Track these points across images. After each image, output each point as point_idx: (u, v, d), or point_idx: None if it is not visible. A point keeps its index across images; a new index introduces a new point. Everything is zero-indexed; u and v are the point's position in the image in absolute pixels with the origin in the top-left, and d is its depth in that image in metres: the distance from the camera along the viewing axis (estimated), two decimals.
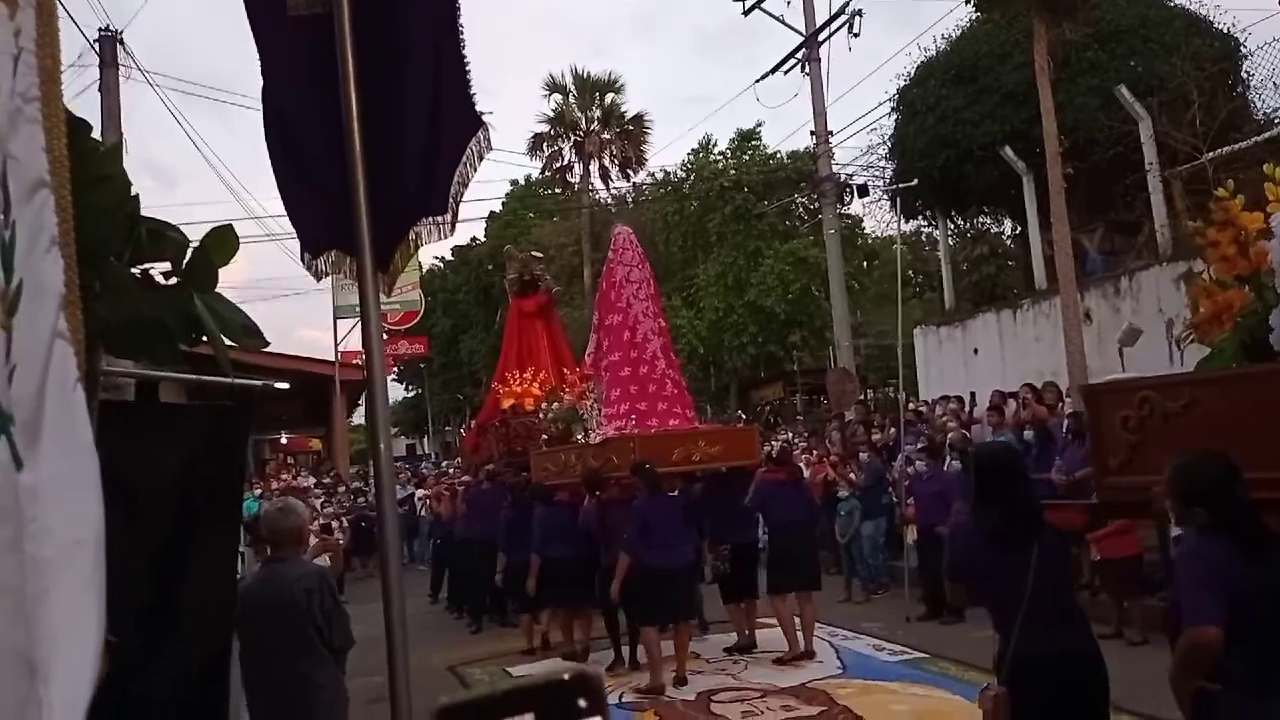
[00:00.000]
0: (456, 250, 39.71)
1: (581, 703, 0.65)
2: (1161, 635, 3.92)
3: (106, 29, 13.58)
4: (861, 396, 19.90)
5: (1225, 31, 15.66)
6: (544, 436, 10.22)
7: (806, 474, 12.50)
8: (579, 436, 9.56)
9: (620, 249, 9.72)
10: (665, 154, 44.60)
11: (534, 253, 13.77)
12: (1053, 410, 10.20)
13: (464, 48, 2.02)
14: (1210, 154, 12.02)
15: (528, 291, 12.17)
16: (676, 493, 8.22)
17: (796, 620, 8.23)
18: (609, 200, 32.79)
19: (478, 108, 2.04)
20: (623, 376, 9.14)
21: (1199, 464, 2.94)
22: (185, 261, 2.16)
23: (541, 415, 10.47)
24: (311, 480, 20.33)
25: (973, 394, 13.41)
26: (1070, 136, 13.04)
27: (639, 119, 30.32)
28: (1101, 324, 13.01)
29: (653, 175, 30.72)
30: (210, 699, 2.12)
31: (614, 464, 8.42)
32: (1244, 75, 14.84)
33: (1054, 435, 9.40)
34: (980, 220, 20.75)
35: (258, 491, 16.39)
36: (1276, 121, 13.67)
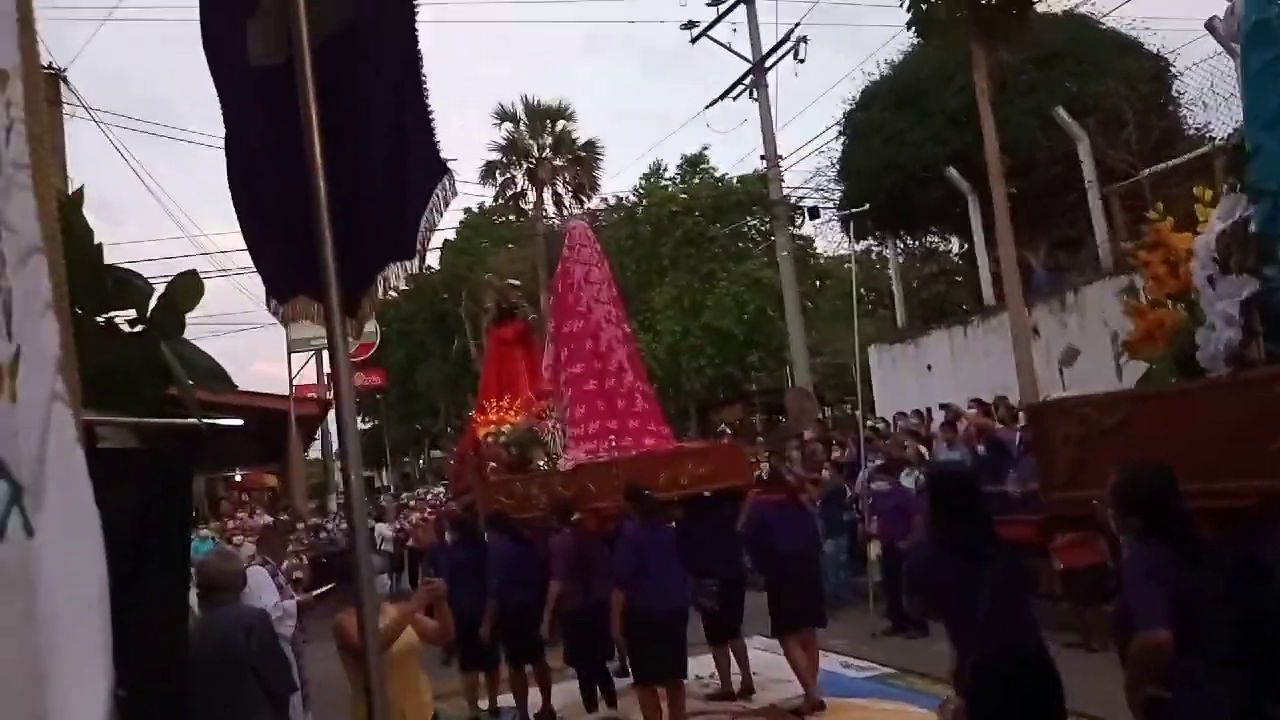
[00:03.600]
0: (411, 279, 39.48)
1: None
2: None
3: (50, 67, 13.40)
4: (820, 415, 20.11)
5: (1156, 52, 16.23)
6: (491, 465, 9.00)
7: None
8: (540, 463, 8.45)
9: (576, 245, 8.54)
10: (619, 178, 44.93)
11: (511, 281, 13.67)
12: (1007, 424, 10.41)
13: (427, 95, 2.07)
14: (1146, 171, 12.41)
15: (505, 320, 12.05)
16: (673, 524, 7.12)
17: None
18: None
19: (442, 155, 2.08)
20: (588, 391, 7.97)
21: (1138, 475, 3.08)
22: (151, 309, 2.17)
23: (491, 440, 9.20)
24: (268, 518, 19.99)
25: (928, 410, 13.64)
26: (1012, 156, 13.40)
27: (591, 145, 30.48)
28: (1049, 339, 13.31)
29: (605, 201, 30.92)
30: None
31: (591, 493, 7.21)
32: (1174, 94, 15.37)
33: (1008, 448, 9.59)
34: (929, 239, 21.17)
35: (204, 533, 16.04)
36: (1207, 138, 14.15)
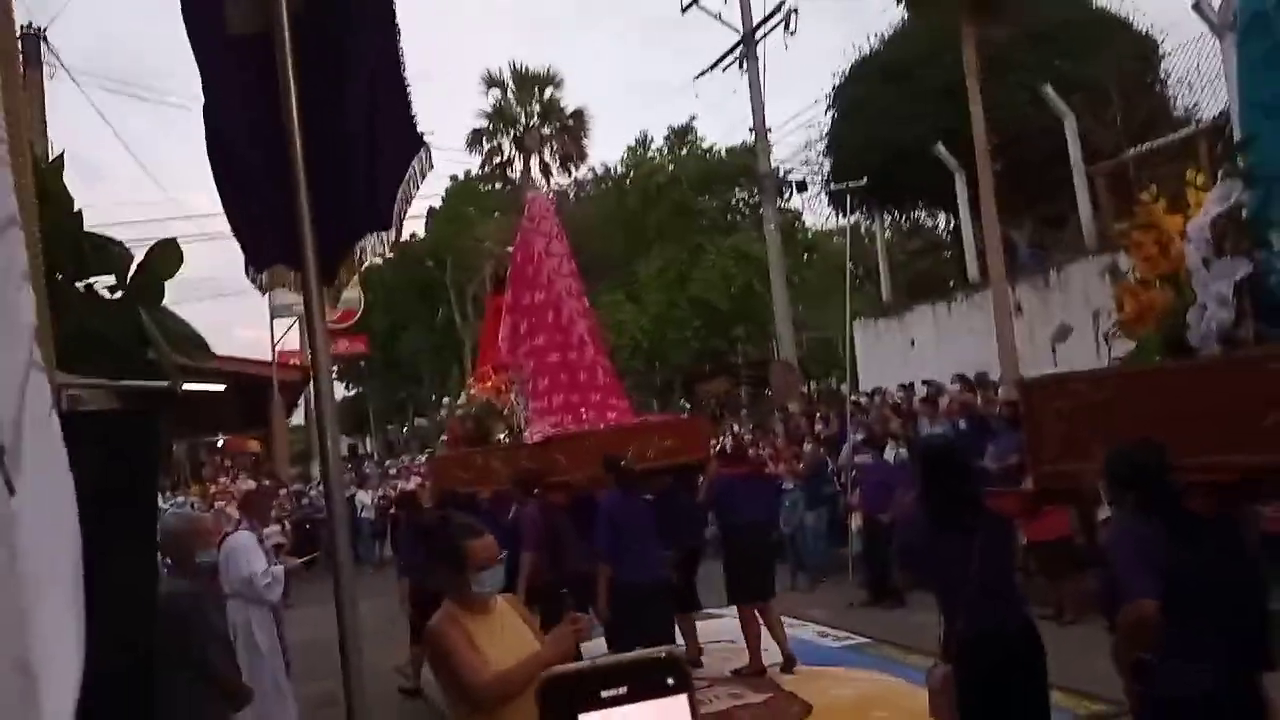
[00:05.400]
0: (396, 246, 39.24)
1: (670, 680, 0.72)
2: (1093, 615, 4.12)
3: (29, 26, 13.22)
4: (804, 389, 20.20)
5: (1144, 33, 16.23)
6: (443, 438, 9.03)
7: None
8: (501, 436, 8.37)
9: (536, 217, 8.49)
10: (607, 147, 44.62)
11: (509, 248, 13.61)
12: (989, 401, 10.51)
13: (404, 70, 2.08)
14: (1131, 150, 12.46)
15: (503, 288, 12.00)
16: (650, 497, 7.13)
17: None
18: (551, 196, 32.74)
19: (419, 128, 2.10)
20: (551, 364, 7.93)
21: (1133, 451, 3.17)
22: (130, 276, 2.18)
23: (446, 413, 9.45)
24: (251, 483, 20.01)
25: (911, 385, 13.75)
26: (999, 133, 13.41)
27: (579, 114, 30.31)
28: (1032, 315, 13.41)
29: (593, 170, 30.81)
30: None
31: (562, 466, 7.24)
32: (1161, 75, 15.39)
33: (988, 424, 9.69)
34: (916, 215, 21.20)
35: (180, 498, 16.04)
36: (1194, 119, 14.20)
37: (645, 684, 0.70)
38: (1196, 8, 10.29)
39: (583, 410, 7.88)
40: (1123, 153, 12.57)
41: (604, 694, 0.70)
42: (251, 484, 19.38)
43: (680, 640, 7.48)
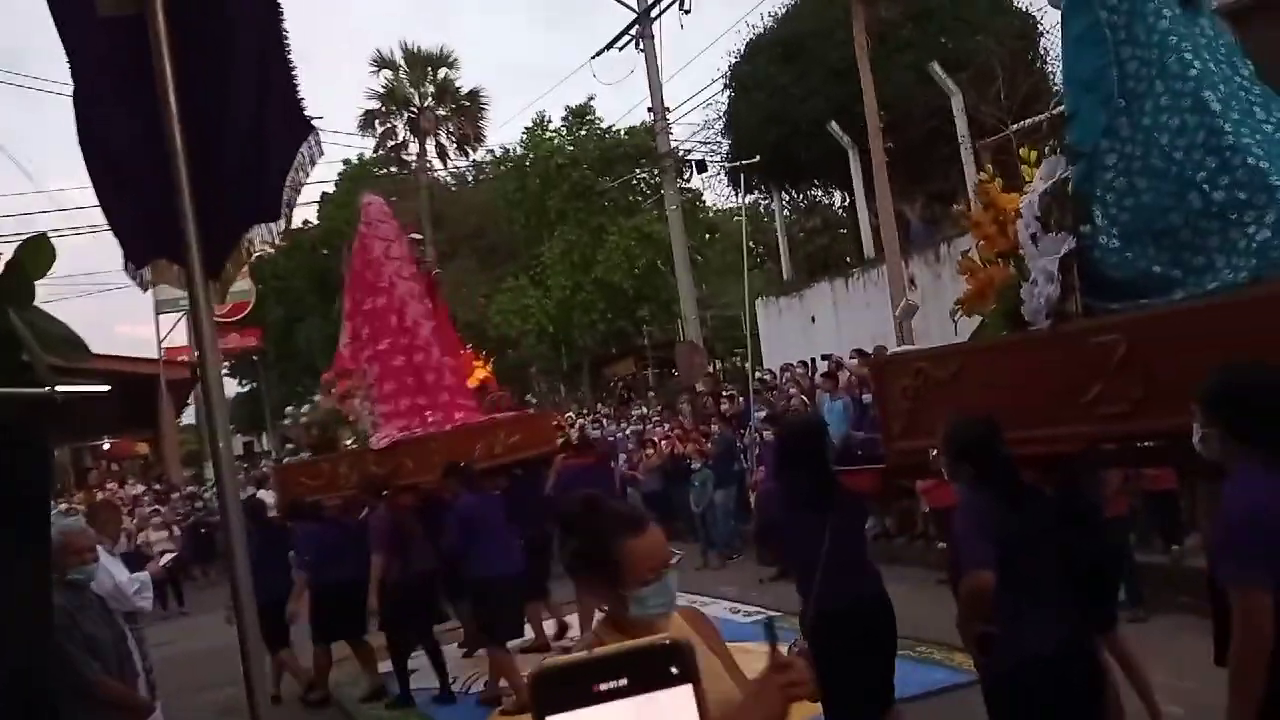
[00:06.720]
0: (288, 234, 37.99)
1: (673, 669, 0.67)
2: None
3: None
4: (710, 368, 20.40)
5: (1025, 11, 16.85)
6: (289, 445, 9.03)
7: (664, 447, 12.80)
8: (348, 442, 8.37)
9: (374, 220, 8.50)
10: (506, 130, 43.98)
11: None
12: None
13: (289, 52, 1.98)
14: (1014, 126, 12.91)
15: None
16: (499, 492, 7.37)
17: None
18: (448, 179, 32.17)
19: (307, 112, 2.00)
20: (396, 367, 8.02)
21: (967, 425, 3.27)
22: None
23: (289, 422, 9.06)
24: (141, 488, 19.16)
25: (812, 360, 14.03)
26: (890, 111, 13.72)
27: (475, 94, 29.75)
28: (925, 289, 13.82)
29: (492, 152, 30.34)
30: None
31: (409, 469, 7.39)
32: (1041, 52, 15.99)
33: None
34: (813, 193, 21.56)
35: (62, 506, 15.28)
36: None
37: (646, 674, 0.66)
38: None
39: (430, 412, 8.02)
40: (1006, 128, 13.02)
41: (602, 686, 0.65)
42: (141, 488, 18.54)
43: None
